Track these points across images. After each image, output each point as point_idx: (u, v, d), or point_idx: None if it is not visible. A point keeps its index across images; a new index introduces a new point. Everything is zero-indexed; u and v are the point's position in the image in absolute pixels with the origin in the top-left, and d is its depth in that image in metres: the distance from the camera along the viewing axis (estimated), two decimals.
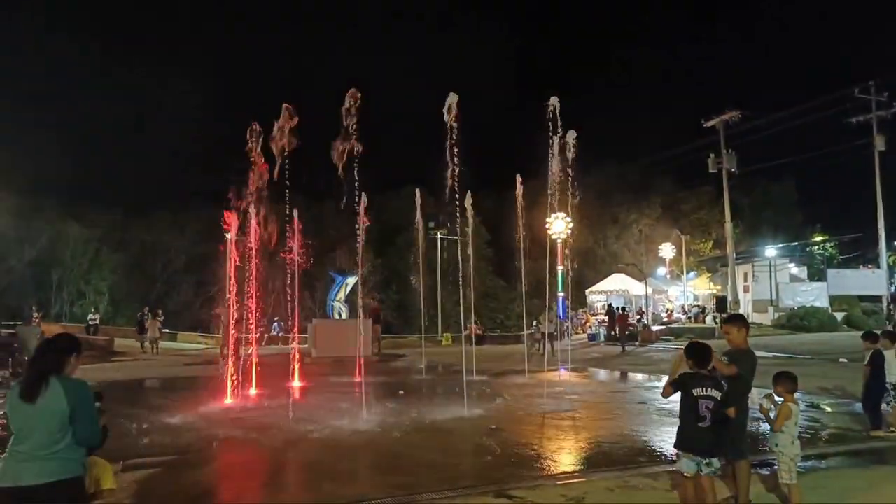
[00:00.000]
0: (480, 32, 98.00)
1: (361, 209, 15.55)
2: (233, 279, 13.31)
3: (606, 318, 33.80)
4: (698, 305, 40.31)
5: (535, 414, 11.04)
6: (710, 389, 4.82)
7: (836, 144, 48.88)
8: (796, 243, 45.35)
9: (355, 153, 11.62)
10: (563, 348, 19.94)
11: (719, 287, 41.65)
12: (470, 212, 16.50)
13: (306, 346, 23.79)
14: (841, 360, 17.78)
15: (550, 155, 14.47)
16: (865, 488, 6.23)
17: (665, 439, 8.92)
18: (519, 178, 16.48)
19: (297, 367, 15.10)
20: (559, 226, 24.08)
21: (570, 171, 14.95)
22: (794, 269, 41.53)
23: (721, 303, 34.96)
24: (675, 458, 4.95)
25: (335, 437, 9.21)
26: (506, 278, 45.04)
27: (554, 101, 14.11)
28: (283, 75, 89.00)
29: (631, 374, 17.92)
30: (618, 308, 33.50)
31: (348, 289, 25.40)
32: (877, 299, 35.98)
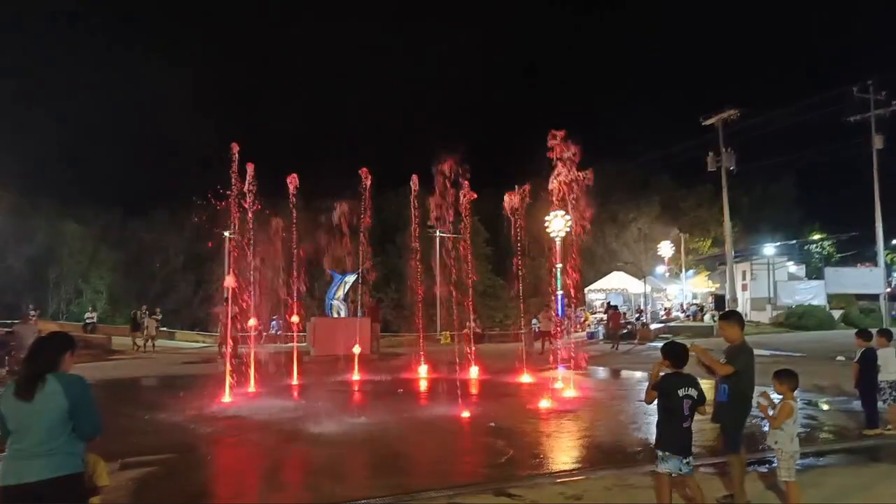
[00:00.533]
0: (481, 27, 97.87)
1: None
2: (232, 277, 13.31)
3: (605, 317, 33.81)
4: (697, 304, 40.35)
5: (534, 412, 11.05)
6: (689, 389, 4.92)
7: (835, 143, 49.03)
8: (794, 242, 45.39)
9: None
10: (561, 346, 19.95)
11: (718, 285, 41.69)
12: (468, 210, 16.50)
13: (305, 344, 23.79)
14: (838, 358, 17.79)
15: (553, 161, 14.42)
16: (862, 486, 6.25)
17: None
18: (517, 193, 16.41)
19: (295, 364, 15.10)
20: (558, 224, 24.06)
21: (574, 179, 14.90)
22: (792, 267, 41.58)
23: (719, 301, 35.01)
24: (660, 459, 4.94)
25: (334, 435, 9.21)
26: (505, 277, 45.08)
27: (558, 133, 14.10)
28: (285, 73, 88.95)
29: (629, 373, 17.93)
30: (610, 305, 33.59)
31: (347, 287, 25.36)
32: (874, 297, 36.02)
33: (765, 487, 6.02)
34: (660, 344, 24.52)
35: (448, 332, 34.37)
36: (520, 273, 16.44)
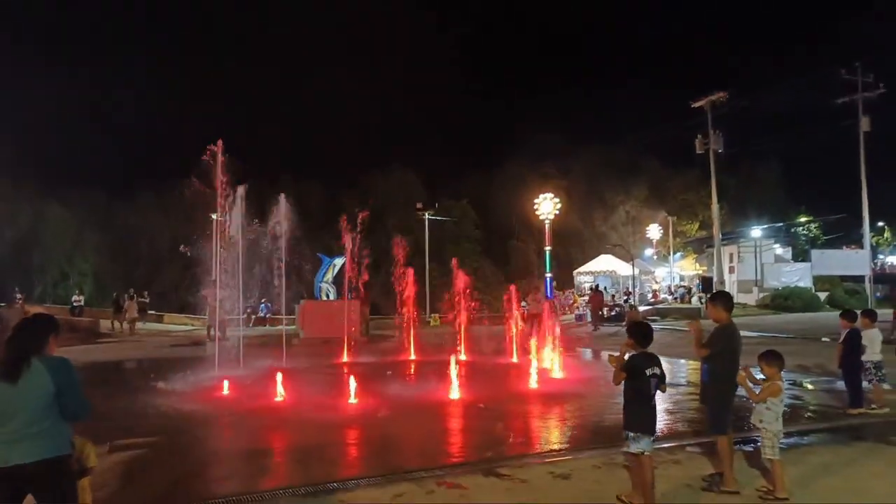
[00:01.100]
0: (469, 8, 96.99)
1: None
2: (219, 260, 13.21)
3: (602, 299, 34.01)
4: (684, 286, 40.67)
5: (523, 393, 11.12)
6: (655, 368, 4.95)
7: (822, 126, 49.26)
8: (781, 224, 45.75)
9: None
10: (550, 328, 20.04)
11: (705, 268, 42.01)
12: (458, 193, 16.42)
13: (294, 327, 23.75)
14: (823, 338, 18.04)
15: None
16: (844, 464, 6.35)
17: None
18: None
19: (284, 347, 15.08)
20: (547, 207, 24.11)
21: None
22: (778, 249, 41.96)
23: (706, 283, 35.27)
24: (631, 439, 4.92)
25: (323, 417, 9.22)
26: (494, 259, 45.17)
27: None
28: (269, 51, 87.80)
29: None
30: (592, 287, 33.80)
31: (336, 270, 25.31)
32: (859, 279, 36.45)
33: (749, 466, 6.10)
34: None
35: (437, 315, 34.44)
36: (509, 255, 16.44)
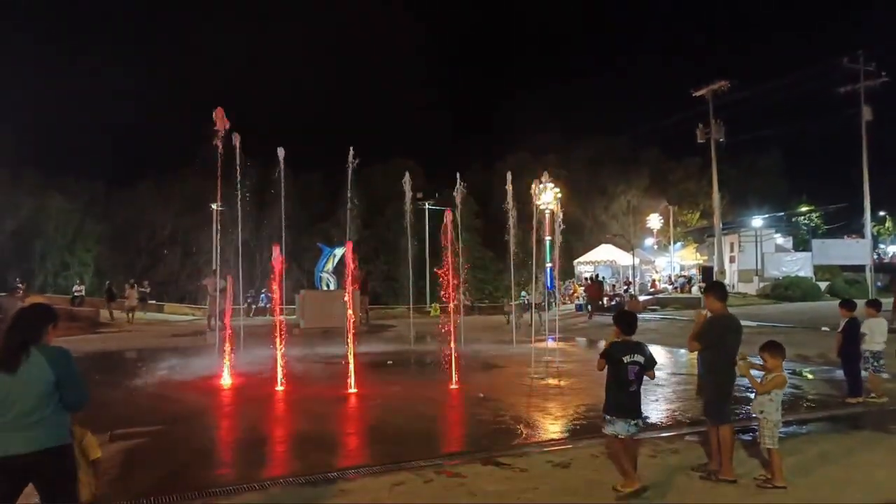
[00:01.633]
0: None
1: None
2: (219, 250, 13.19)
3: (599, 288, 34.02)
4: (684, 276, 40.64)
5: (523, 383, 11.15)
6: (636, 355, 5.12)
7: (823, 114, 49.04)
8: (782, 213, 45.63)
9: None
10: (550, 318, 20.07)
11: (706, 257, 41.96)
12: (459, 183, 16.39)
13: (294, 317, 23.78)
14: (823, 328, 18.04)
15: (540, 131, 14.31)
16: (843, 453, 6.37)
17: (649, 406, 9.04)
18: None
19: (284, 337, 15.07)
20: (547, 196, 24.01)
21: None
22: (779, 239, 41.88)
23: (707, 273, 35.25)
24: (606, 422, 5.17)
25: (323, 406, 9.25)
26: (494, 249, 45.09)
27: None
28: (269, 42, 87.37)
29: None
30: (588, 277, 33.83)
31: (336, 260, 25.30)
32: (859, 269, 36.42)
33: (747, 455, 6.11)
34: (648, 316, 24.83)
35: (437, 304, 34.48)
36: (509, 245, 16.43)
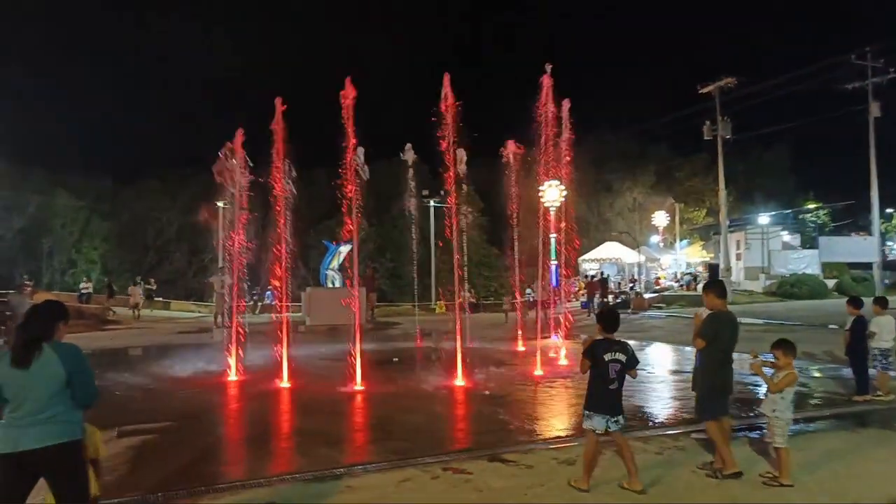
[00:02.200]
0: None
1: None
2: (225, 247, 13.22)
3: (599, 286, 34.03)
4: (690, 273, 40.56)
5: (528, 380, 11.16)
6: (617, 353, 5.17)
7: (830, 111, 48.76)
8: (789, 211, 45.47)
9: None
10: (555, 315, 20.06)
11: (712, 255, 41.89)
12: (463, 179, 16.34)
13: (300, 314, 23.84)
14: (830, 326, 17.96)
15: (543, 124, 14.30)
16: (850, 451, 6.35)
17: (655, 404, 9.05)
18: (511, 147, 16.18)
19: (290, 334, 15.12)
20: (553, 194, 23.94)
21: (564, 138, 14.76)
22: (786, 236, 41.74)
23: (713, 270, 35.18)
24: (585, 416, 5.25)
25: (329, 403, 9.29)
26: (499, 246, 45.08)
27: (548, 68, 13.89)
28: (271, 42, 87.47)
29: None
30: (586, 276, 33.85)
31: (341, 257, 25.33)
32: (866, 266, 36.24)
33: (755, 452, 6.11)
34: (654, 313, 24.74)
35: (442, 302, 34.51)
36: (514, 243, 16.41)
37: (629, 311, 28.70)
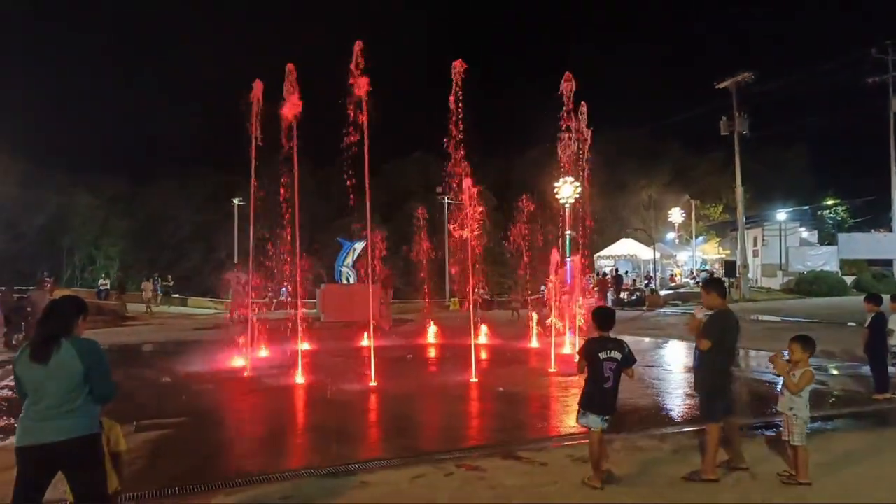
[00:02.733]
0: None
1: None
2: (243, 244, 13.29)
3: (613, 283, 33.87)
4: (706, 270, 40.22)
5: (542, 377, 11.13)
6: (612, 351, 5.15)
7: (850, 107, 48.07)
8: (807, 207, 44.90)
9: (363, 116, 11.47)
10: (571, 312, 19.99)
11: (728, 252, 41.49)
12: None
13: (315, 310, 23.97)
14: (849, 323, 17.74)
15: (561, 126, 14.23)
16: (869, 451, 6.27)
17: (672, 401, 8.99)
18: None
19: (305, 331, 15.22)
20: (567, 190, 23.89)
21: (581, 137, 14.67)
22: (804, 233, 41.23)
23: (729, 267, 34.86)
24: (580, 415, 5.28)
25: (343, 399, 9.33)
26: (513, 243, 45.02)
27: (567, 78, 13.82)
28: (288, 39, 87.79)
29: (637, 338, 17.95)
30: (599, 273, 33.70)
31: (356, 254, 25.46)
32: (887, 263, 35.72)
33: (770, 451, 6.05)
34: (669, 310, 24.54)
35: (457, 299, 34.52)
36: (528, 240, 16.38)
37: (644, 308, 28.53)
